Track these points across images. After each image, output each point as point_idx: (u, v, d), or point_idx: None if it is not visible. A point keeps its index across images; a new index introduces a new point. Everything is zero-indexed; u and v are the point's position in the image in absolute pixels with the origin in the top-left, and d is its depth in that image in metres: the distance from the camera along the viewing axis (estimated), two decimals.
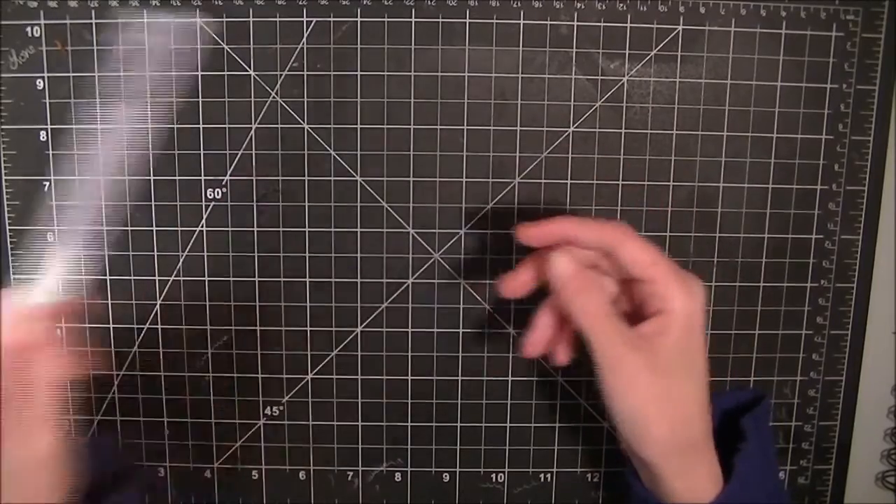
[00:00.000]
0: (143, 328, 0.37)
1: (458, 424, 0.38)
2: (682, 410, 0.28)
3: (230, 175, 0.36)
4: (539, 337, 0.31)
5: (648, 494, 0.29)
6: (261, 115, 0.36)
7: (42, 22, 0.35)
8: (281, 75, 0.35)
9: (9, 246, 0.37)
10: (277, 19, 0.35)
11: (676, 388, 0.27)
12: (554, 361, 0.32)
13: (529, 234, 0.29)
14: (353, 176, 0.36)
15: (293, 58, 0.35)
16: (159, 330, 0.37)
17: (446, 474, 0.38)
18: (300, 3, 0.35)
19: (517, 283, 0.30)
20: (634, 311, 0.30)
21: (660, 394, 0.27)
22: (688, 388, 0.28)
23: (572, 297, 0.28)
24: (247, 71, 0.35)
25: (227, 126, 0.36)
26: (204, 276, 0.37)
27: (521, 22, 0.35)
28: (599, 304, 0.28)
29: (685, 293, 0.28)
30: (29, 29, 0.35)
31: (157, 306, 0.37)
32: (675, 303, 0.27)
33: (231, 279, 0.37)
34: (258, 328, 0.37)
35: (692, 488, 0.28)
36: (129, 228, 0.36)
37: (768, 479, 0.31)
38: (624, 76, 0.35)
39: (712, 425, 0.29)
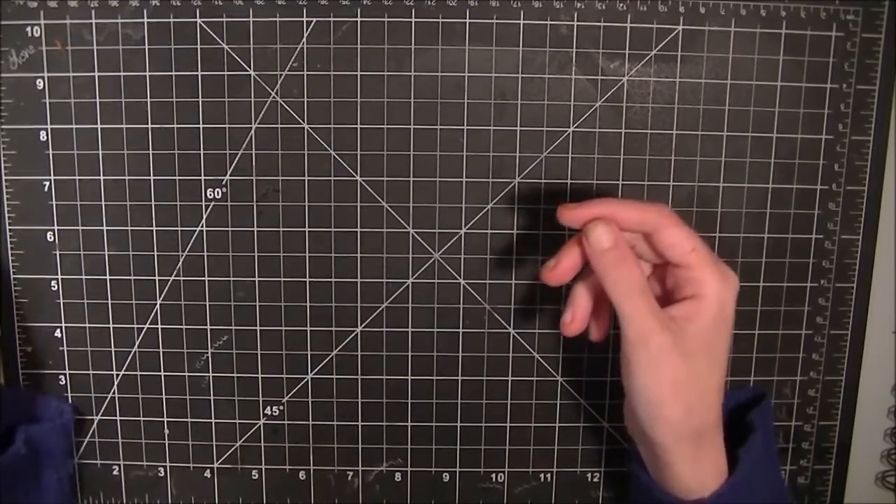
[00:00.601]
0: (143, 328, 0.37)
1: (458, 424, 0.38)
2: (699, 396, 0.28)
3: (230, 175, 0.36)
4: (578, 313, 0.31)
5: (653, 483, 0.29)
6: (261, 115, 0.36)
7: (42, 22, 0.35)
8: (281, 75, 0.35)
9: (9, 246, 0.37)
10: (277, 19, 0.35)
11: (698, 373, 0.28)
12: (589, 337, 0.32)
13: (571, 215, 0.29)
14: (353, 176, 0.36)
15: (293, 58, 0.35)
16: (159, 330, 0.37)
17: (446, 474, 0.38)
18: (300, 3, 0.35)
19: (560, 271, 0.29)
20: (664, 296, 0.30)
21: (681, 377, 0.27)
22: (708, 376, 0.28)
23: (608, 269, 0.28)
24: (247, 71, 0.35)
25: (227, 126, 0.36)
26: (204, 276, 0.37)
27: (521, 22, 0.35)
28: (635, 277, 0.28)
29: (720, 280, 0.28)
30: (29, 29, 0.35)
31: (157, 306, 0.37)
32: (710, 289, 0.28)
33: (231, 279, 0.37)
34: (258, 328, 0.37)
35: (698, 476, 0.28)
36: (129, 228, 0.36)
37: (771, 473, 0.31)
38: (624, 76, 0.35)
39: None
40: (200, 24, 0.35)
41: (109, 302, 0.37)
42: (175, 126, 0.36)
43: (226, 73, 0.35)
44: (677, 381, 0.27)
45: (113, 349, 0.37)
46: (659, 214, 0.28)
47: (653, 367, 0.27)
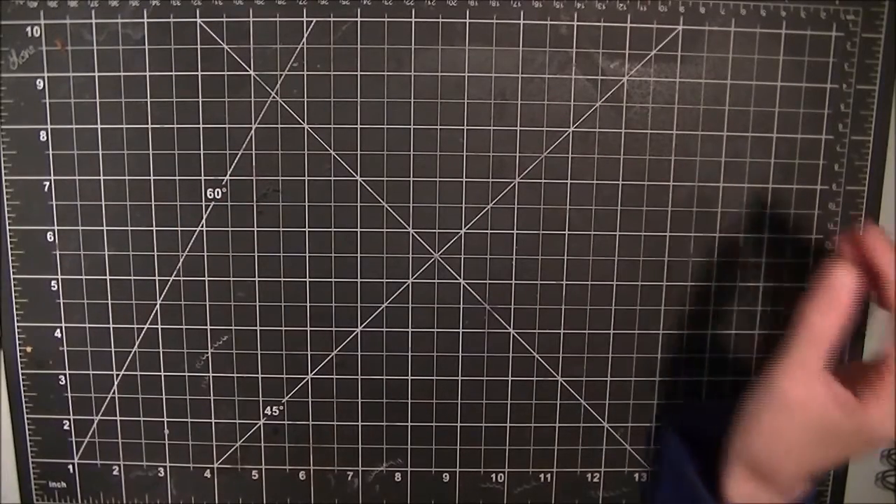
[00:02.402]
0: (143, 328, 0.37)
1: (458, 424, 0.38)
2: (781, 451, 0.29)
3: (230, 175, 0.36)
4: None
5: (698, 482, 0.31)
6: (261, 115, 0.36)
7: (42, 22, 0.35)
8: (281, 75, 0.35)
9: (9, 246, 0.37)
10: (277, 19, 0.35)
11: (797, 441, 0.28)
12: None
13: (847, 251, 0.29)
14: (353, 176, 0.36)
15: (293, 58, 0.35)
16: (159, 330, 0.37)
17: (446, 474, 0.38)
18: (300, 3, 0.35)
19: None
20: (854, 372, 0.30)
21: (781, 426, 0.28)
22: (804, 450, 0.29)
23: (813, 305, 0.28)
24: (247, 71, 0.35)
25: (227, 126, 0.36)
26: (204, 276, 0.37)
27: (521, 22, 0.35)
28: (823, 329, 0.28)
29: (885, 418, 0.27)
30: (29, 29, 0.35)
31: (157, 306, 0.37)
32: (873, 410, 0.27)
33: (231, 279, 0.37)
34: (258, 328, 0.37)
35: (736, 498, 0.30)
36: (129, 228, 0.36)
37: None
38: (624, 76, 0.35)
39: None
40: (200, 24, 0.35)
41: (109, 302, 0.37)
42: (175, 126, 0.36)
43: (226, 73, 0.35)
44: (774, 425, 0.28)
45: (113, 349, 0.37)
46: None
47: (767, 403, 0.28)
